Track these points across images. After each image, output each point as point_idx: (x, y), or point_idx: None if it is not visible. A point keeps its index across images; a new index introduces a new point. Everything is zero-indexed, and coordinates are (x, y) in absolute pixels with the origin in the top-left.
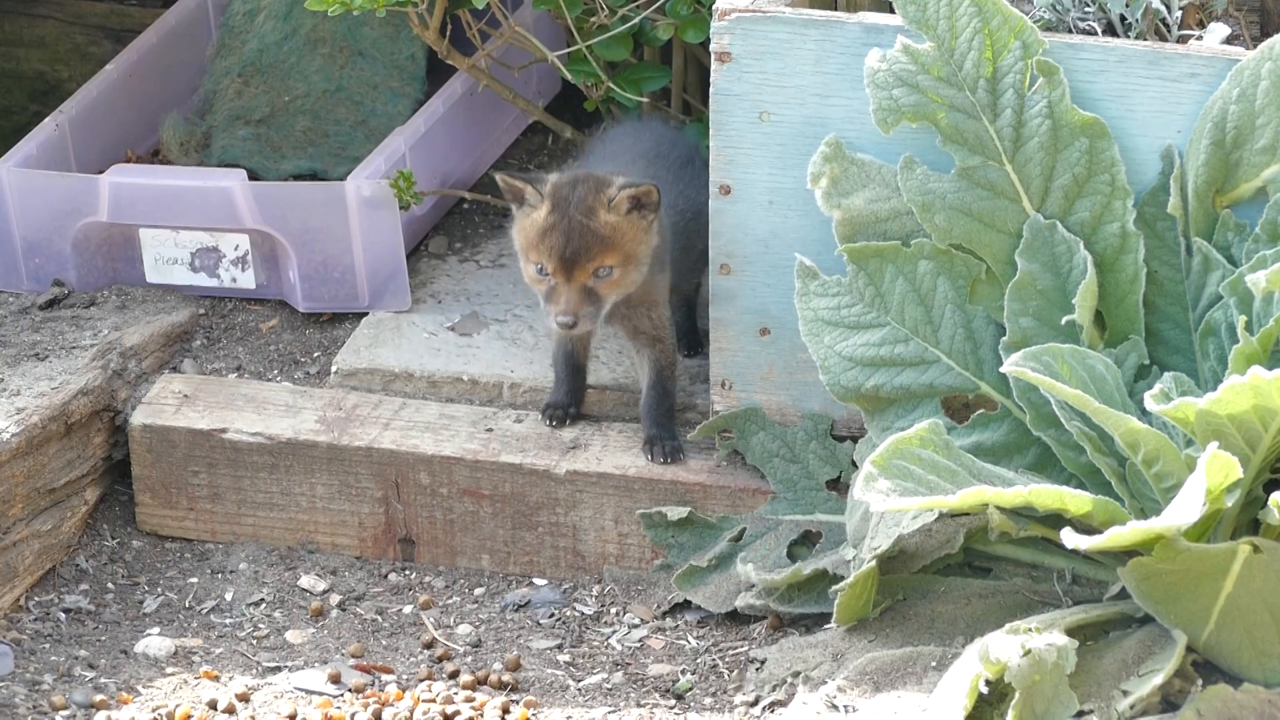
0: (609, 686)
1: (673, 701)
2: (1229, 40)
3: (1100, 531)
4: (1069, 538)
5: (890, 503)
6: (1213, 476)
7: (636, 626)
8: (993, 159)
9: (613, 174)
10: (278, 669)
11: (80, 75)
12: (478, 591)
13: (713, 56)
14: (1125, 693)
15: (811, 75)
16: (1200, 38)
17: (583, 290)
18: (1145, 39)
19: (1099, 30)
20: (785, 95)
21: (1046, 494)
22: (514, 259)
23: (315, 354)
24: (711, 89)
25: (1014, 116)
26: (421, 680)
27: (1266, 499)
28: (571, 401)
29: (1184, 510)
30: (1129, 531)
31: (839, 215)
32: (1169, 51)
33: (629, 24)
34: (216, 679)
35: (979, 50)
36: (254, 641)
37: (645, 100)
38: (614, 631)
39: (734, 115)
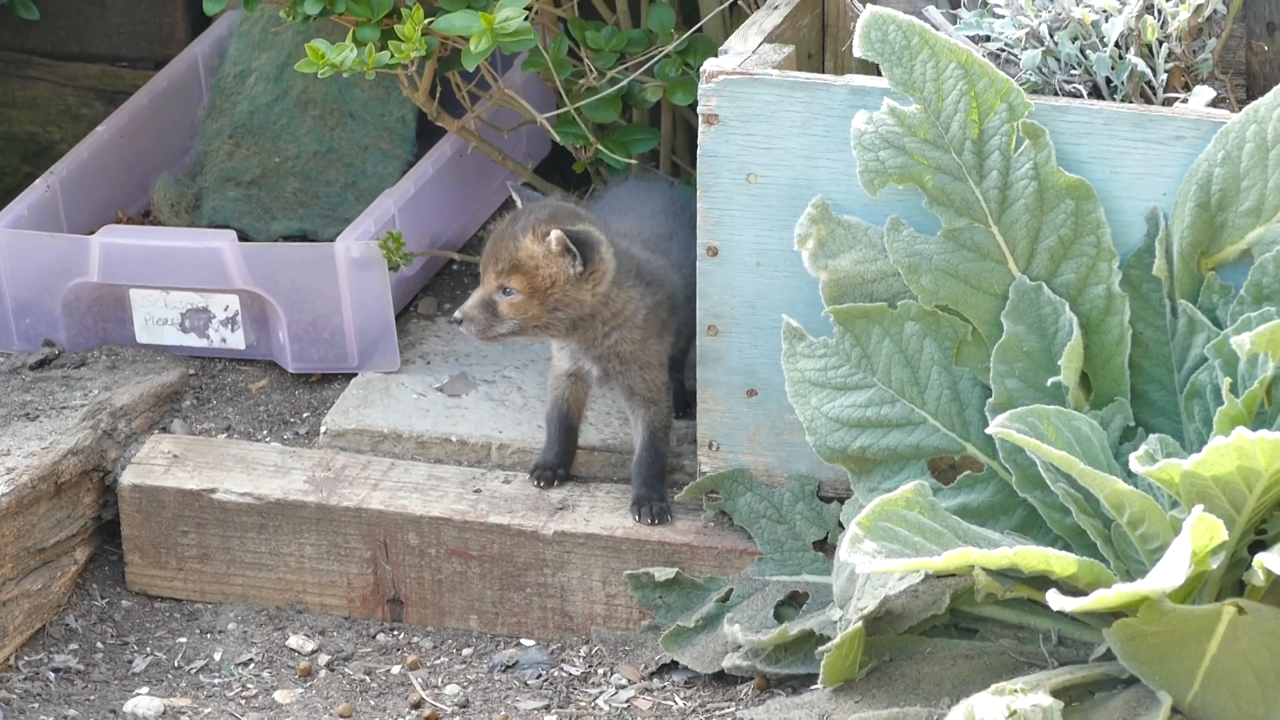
0: None
1: None
2: (1214, 103)
3: (1086, 593)
4: (1054, 599)
5: (876, 564)
6: (1198, 539)
7: (624, 687)
8: (979, 221)
9: (582, 218)
10: None
11: (72, 136)
12: (465, 652)
13: (700, 118)
14: None
15: (798, 137)
16: (1186, 100)
17: (486, 297)
18: (1131, 101)
19: (1085, 92)
20: (772, 157)
21: (1032, 555)
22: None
23: (304, 414)
24: (699, 150)
25: (1000, 178)
26: None
27: (1251, 560)
28: (561, 462)
29: (1169, 574)
30: (1114, 594)
31: (826, 276)
32: (1154, 114)
33: (617, 86)
34: None
35: (965, 112)
36: (242, 701)
37: (634, 162)
38: (601, 692)
39: (721, 176)
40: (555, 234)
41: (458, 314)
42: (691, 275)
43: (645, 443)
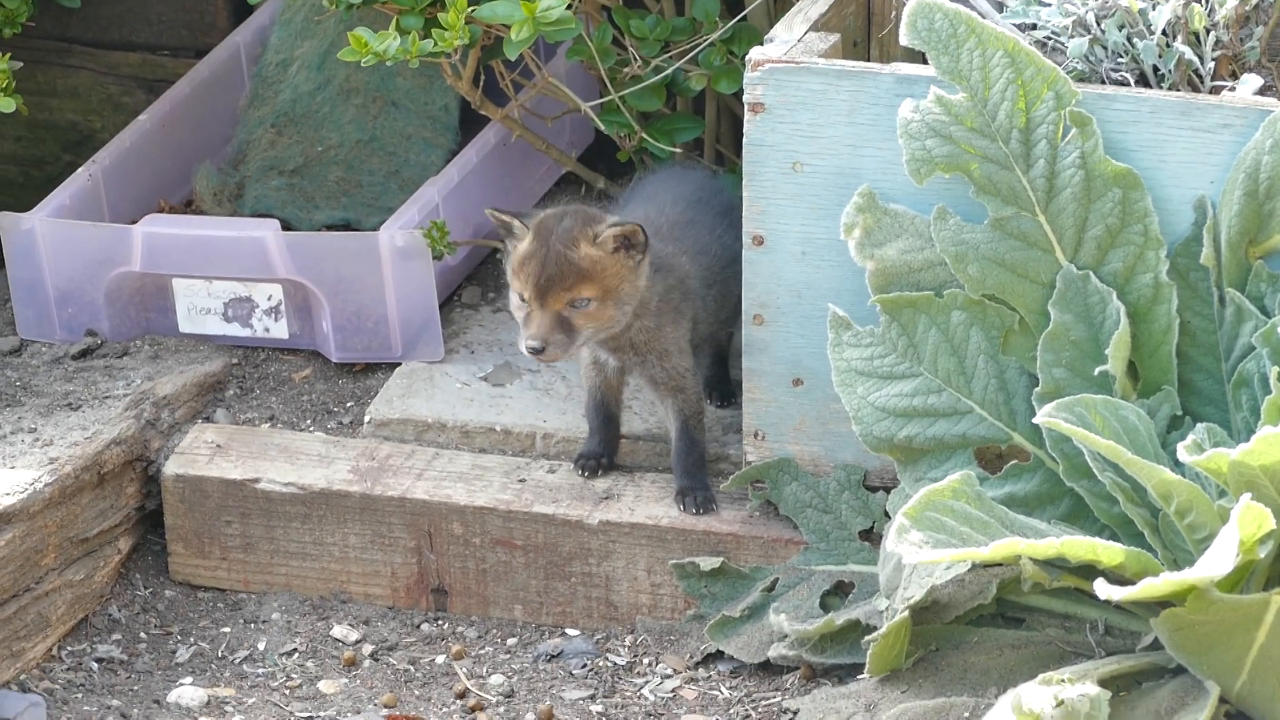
0: None
1: None
2: (1262, 91)
3: (1133, 582)
4: (1102, 589)
5: (923, 555)
6: (1245, 528)
7: (669, 677)
8: (1026, 210)
9: (604, 213)
10: (310, 719)
11: (113, 126)
12: (510, 642)
13: (746, 107)
14: None
15: (844, 126)
16: (1233, 88)
17: (556, 317)
18: (1178, 89)
19: (1132, 81)
20: (818, 146)
21: (1079, 546)
22: None
23: (348, 404)
24: (745, 139)
25: (1047, 167)
26: None
27: None
28: (605, 451)
29: (1217, 562)
30: (1162, 583)
31: (872, 266)
32: (1202, 102)
33: (662, 75)
34: None
35: (1012, 101)
36: (287, 691)
37: (678, 151)
38: (646, 682)
39: (767, 165)
40: (609, 232)
41: (531, 344)
42: (713, 262)
43: (679, 431)
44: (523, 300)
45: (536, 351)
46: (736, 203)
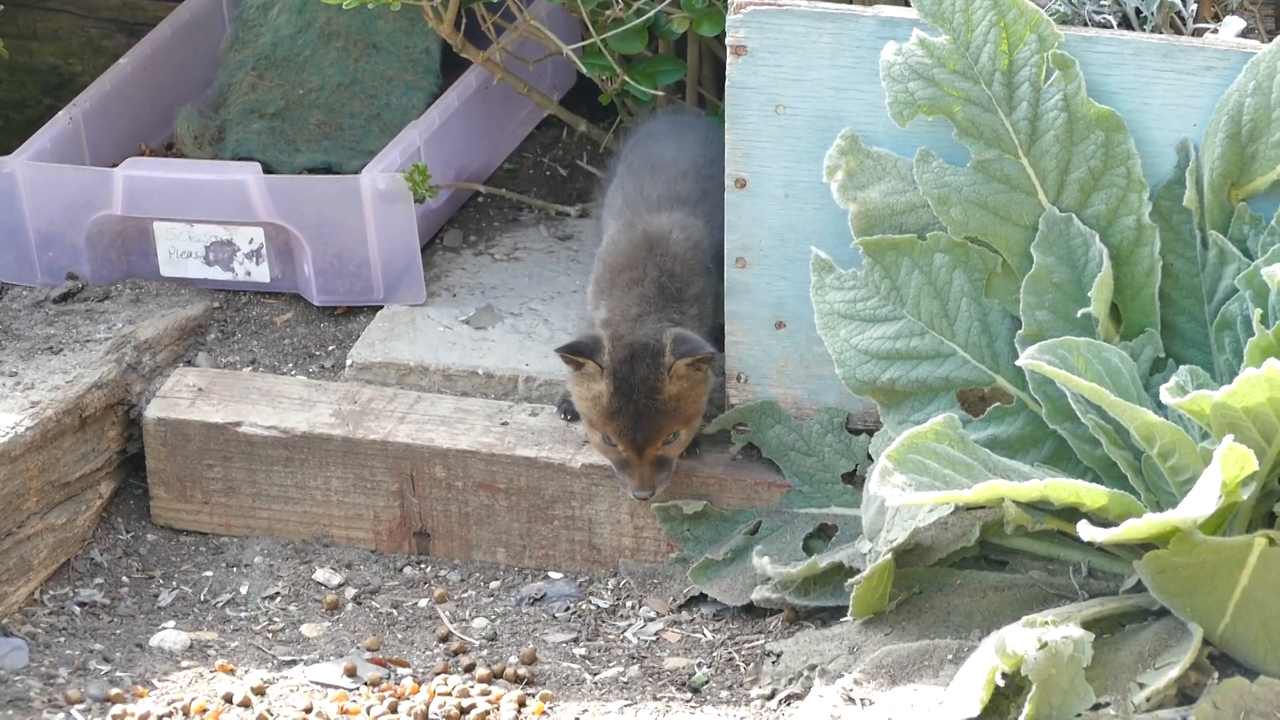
0: (625, 680)
1: (689, 695)
2: (1244, 33)
3: (1116, 524)
4: (1085, 530)
5: (906, 497)
6: (1228, 469)
7: (652, 620)
8: (1009, 152)
9: (660, 332)
10: (293, 662)
11: (93, 69)
12: (493, 585)
13: (728, 50)
14: (1141, 685)
15: (827, 69)
16: (1216, 31)
17: (654, 462)
18: (1161, 32)
19: (1114, 23)
20: (801, 89)
21: (1062, 488)
22: (529, 253)
23: (330, 347)
24: (727, 82)
25: (1030, 110)
26: (437, 674)
27: None
28: None
29: (1200, 503)
30: (1145, 524)
31: (855, 208)
32: (1184, 44)
33: (644, 17)
34: (232, 672)
35: (995, 43)
36: (269, 635)
37: (660, 94)
38: (630, 625)
39: (749, 109)
40: (682, 364)
41: (640, 495)
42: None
43: None
44: (612, 444)
45: (646, 499)
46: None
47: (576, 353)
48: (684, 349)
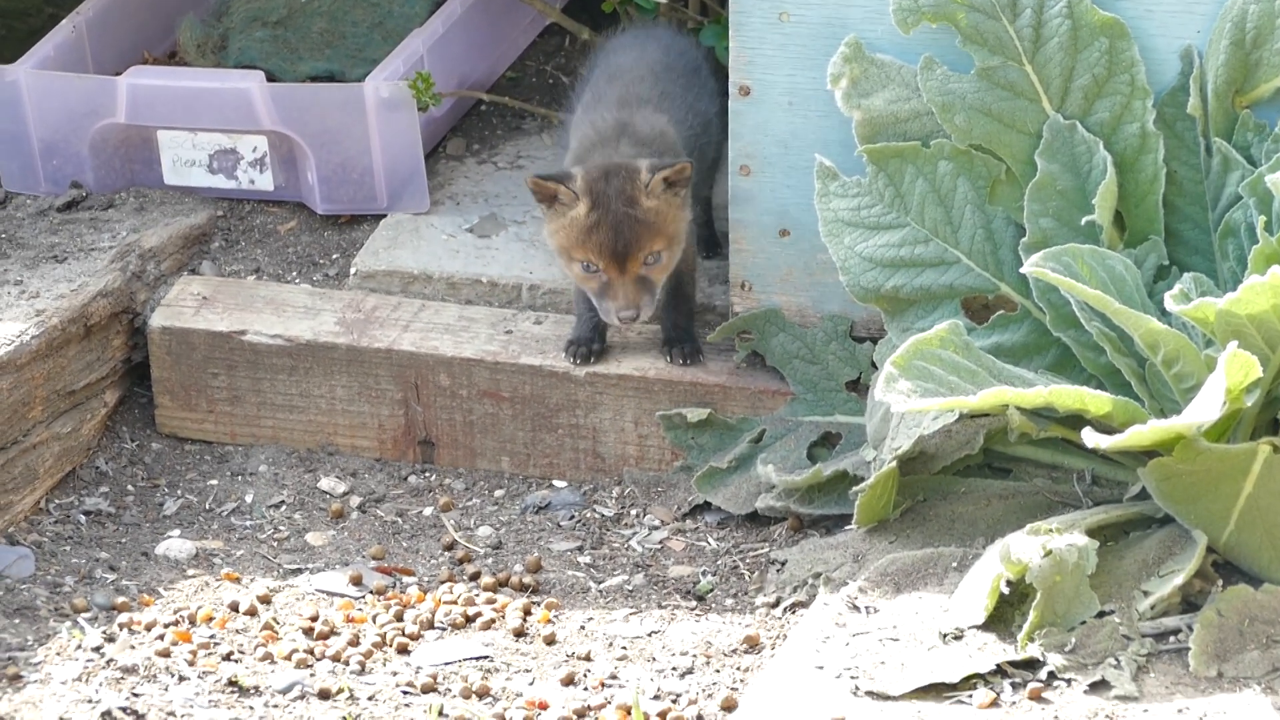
0: (630, 588)
1: (694, 603)
2: None
3: (1120, 432)
4: (1089, 437)
5: (911, 403)
6: (1233, 375)
7: (657, 528)
8: (1012, 59)
9: (636, 156)
10: (299, 571)
11: None
12: (498, 494)
13: None
14: (1146, 593)
15: None
16: None
17: (637, 281)
18: None
19: None
20: None
21: (1067, 394)
22: (532, 161)
23: (334, 256)
24: None
25: (1034, 16)
26: (442, 582)
27: None
28: (594, 336)
29: (1204, 408)
30: (1149, 430)
31: (859, 116)
32: None
33: None
34: (238, 581)
35: None
36: (274, 544)
37: (663, 1)
38: (634, 533)
39: (753, 16)
40: (657, 177)
41: (626, 315)
42: (690, 127)
43: (672, 286)
44: (593, 270)
45: (632, 321)
46: (702, 63)
47: (549, 179)
48: (660, 163)
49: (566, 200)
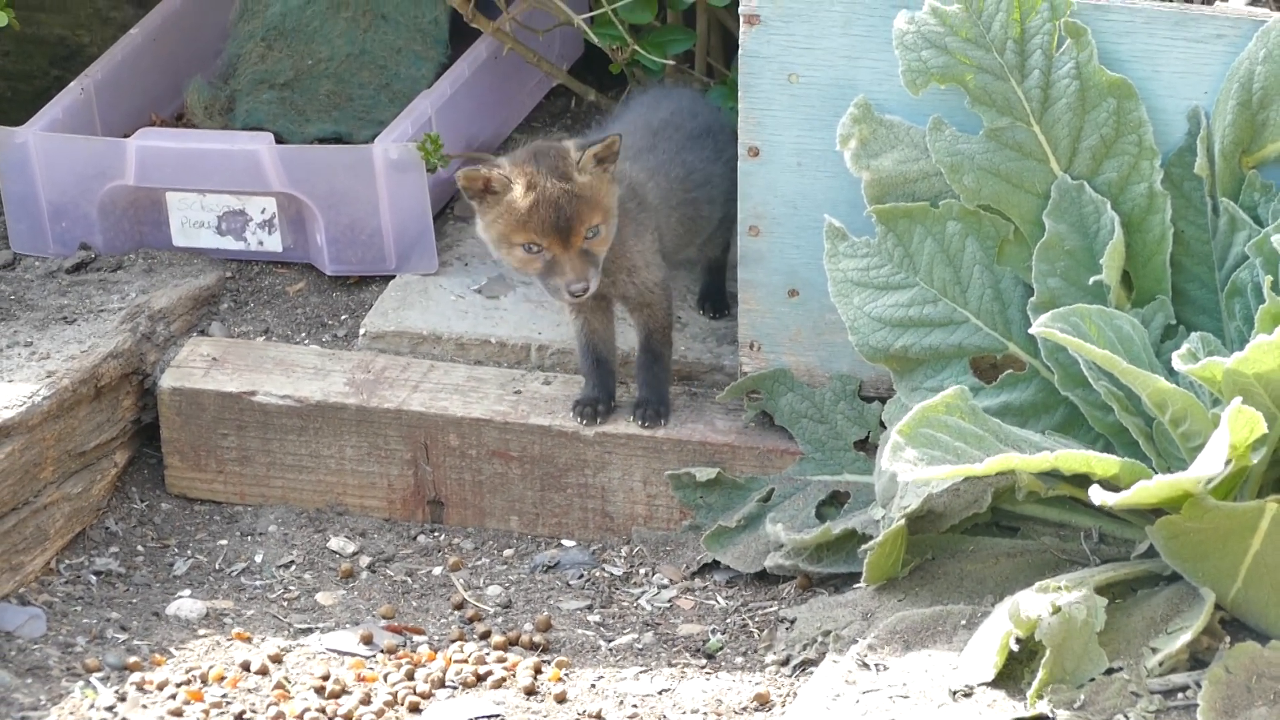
0: (640, 647)
1: (704, 661)
2: (1254, 1)
3: (1128, 489)
4: (1097, 495)
5: (918, 473)
6: (1237, 431)
7: (666, 587)
8: (1021, 120)
9: (561, 139)
10: (309, 630)
11: (101, 40)
12: (507, 553)
13: (741, 19)
14: (1154, 650)
15: (840, 37)
16: None
17: (582, 254)
18: (1172, 0)
19: None
20: (813, 57)
21: (1073, 459)
22: None
23: (343, 317)
24: (740, 51)
25: (1042, 78)
26: (453, 641)
27: None
28: (600, 396)
29: (1209, 463)
30: (1155, 485)
31: (868, 176)
32: (1195, 13)
33: None
34: (249, 640)
35: (1007, 12)
36: (285, 603)
37: (670, 63)
38: (643, 592)
39: (762, 77)
40: (589, 153)
41: (577, 288)
42: (674, 181)
43: (642, 344)
44: (536, 250)
45: (582, 293)
46: (715, 125)
47: (478, 170)
48: (588, 140)
49: (500, 188)
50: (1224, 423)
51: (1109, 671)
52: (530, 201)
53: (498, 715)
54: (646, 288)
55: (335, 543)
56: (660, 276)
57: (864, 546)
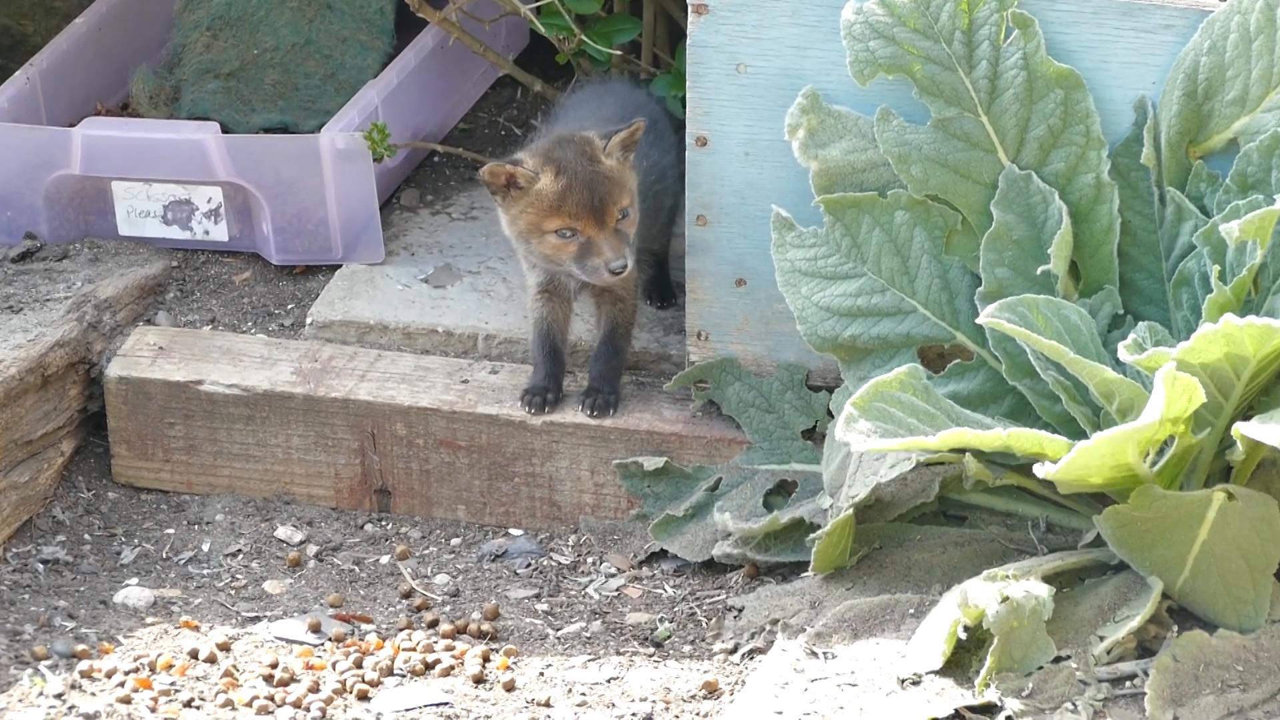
0: (588, 635)
1: (652, 649)
2: None
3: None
4: (1040, 468)
5: (871, 443)
6: (1174, 396)
7: (614, 576)
8: (968, 110)
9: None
10: (257, 619)
11: (45, 30)
12: (454, 542)
13: (690, 9)
14: (1102, 638)
15: (788, 27)
16: None
17: (616, 234)
18: None
19: None
20: (762, 47)
21: (1025, 438)
22: (486, 212)
23: (289, 306)
24: (688, 41)
25: (989, 68)
26: (401, 630)
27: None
28: (550, 385)
29: (1147, 415)
30: (1094, 443)
31: (816, 166)
32: (1143, 3)
33: None
34: (197, 629)
35: (955, 2)
36: (232, 592)
37: (616, 53)
38: (591, 581)
39: (710, 67)
40: (616, 140)
41: (617, 265)
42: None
43: (607, 335)
44: (571, 234)
45: (623, 270)
46: (660, 116)
47: (501, 165)
48: (612, 129)
49: (525, 180)
50: (1159, 382)
51: (1057, 660)
52: (562, 186)
53: (446, 703)
54: (626, 281)
55: (282, 531)
56: (635, 271)
57: (812, 535)
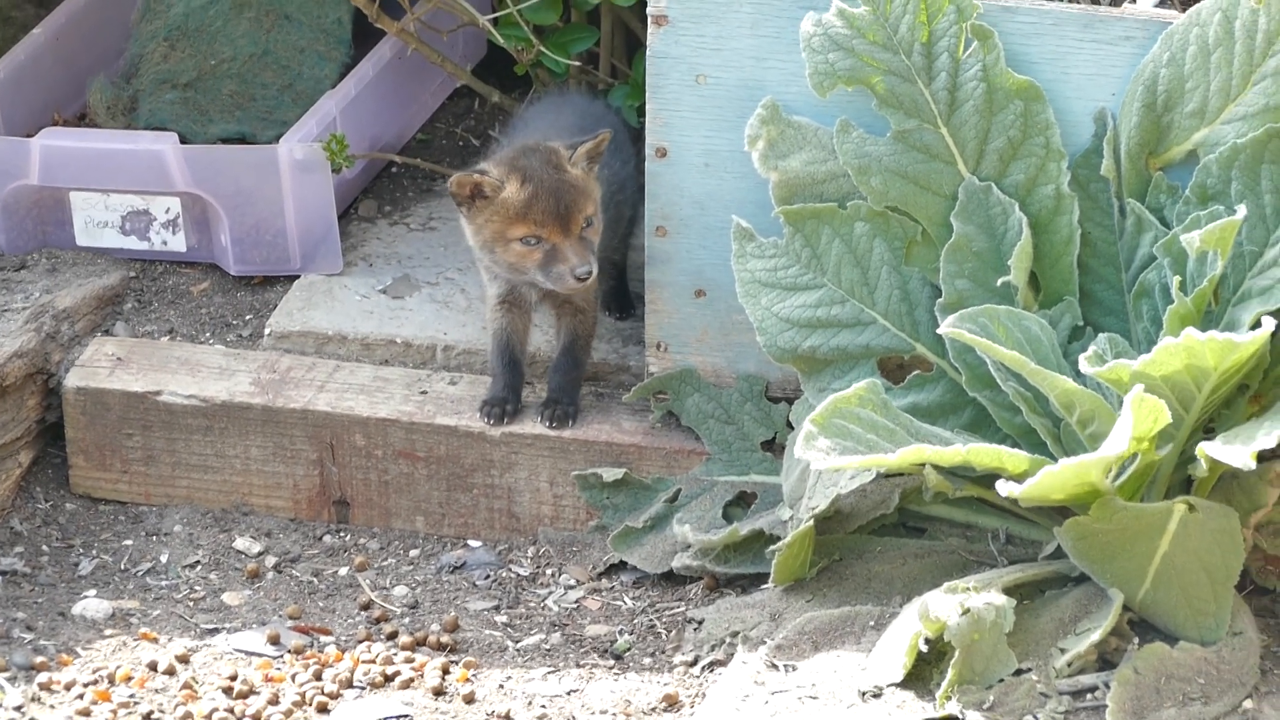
0: (547, 647)
1: (611, 662)
2: (1161, 3)
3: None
4: (1003, 486)
5: (830, 461)
6: (1141, 418)
7: (573, 587)
8: (928, 122)
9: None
10: (216, 630)
11: (2, 39)
12: (413, 553)
13: (649, 20)
14: (1063, 650)
15: (748, 38)
16: (1134, 1)
17: (582, 241)
18: (1080, 2)
19: None
20: (722, 58)
21: (985, 453)
22: (444, 223)
23: (247, 317)
24: (648, 52)
25: (949, 80)
26: (360, 641)
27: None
28: (508, 396)
29: (1113, 445)
30: (1060, 469)
31: (776, 177)
32: (1103, 15)
33: None
34: (155, 640)
35: (914, 14)
36: (191, 603)
37: (574, 64)
38: (550, 593)
39: (670, 78)
40: (582, 150)
41: (583, 271)
42: (609, 183)
43: (567, 346)
44: (536, 242)
45: (587, 277)
46: (620, 128)
47: (467, 175)
48: (577, 140)
49: (491, 190)
50: (1127, 407)
51: (1018, 672)
52: (528, 194)
53: (406, 715)
54: (588, 294)
55: (241, 543)
56: (595, 282)
57: (772, 547)
